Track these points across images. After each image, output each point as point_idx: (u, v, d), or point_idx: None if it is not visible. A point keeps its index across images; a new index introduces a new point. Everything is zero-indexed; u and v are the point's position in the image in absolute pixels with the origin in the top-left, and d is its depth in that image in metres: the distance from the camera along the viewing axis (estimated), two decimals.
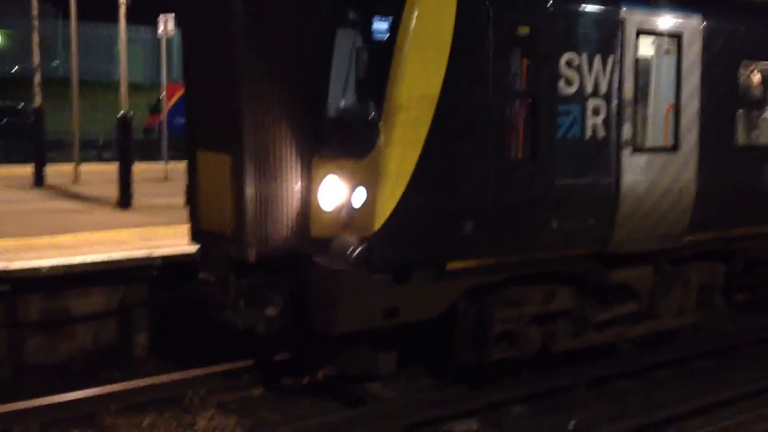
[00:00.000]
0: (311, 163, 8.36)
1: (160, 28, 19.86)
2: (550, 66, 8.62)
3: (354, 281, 7.87)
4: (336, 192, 8.13)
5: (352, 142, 8.09)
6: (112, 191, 15.77)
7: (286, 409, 8.90)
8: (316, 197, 8.33)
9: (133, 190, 15.65)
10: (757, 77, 11.32)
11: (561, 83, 8.69)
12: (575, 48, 8.77)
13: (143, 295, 10.66)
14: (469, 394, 9.19)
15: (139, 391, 9.02)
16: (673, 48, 9.76)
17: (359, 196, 7.91)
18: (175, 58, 32.83)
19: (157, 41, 24.89)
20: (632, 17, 9.23)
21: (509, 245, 8.64)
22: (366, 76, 8.64)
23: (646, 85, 9.84)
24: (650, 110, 9.89)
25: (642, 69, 9.58)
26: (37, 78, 19.08)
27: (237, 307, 8.51)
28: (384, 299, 8.13)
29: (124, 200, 15.42)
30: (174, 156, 19.87)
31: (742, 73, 10.71)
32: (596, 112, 8.98)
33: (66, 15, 18.71)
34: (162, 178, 19.70)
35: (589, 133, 8.94)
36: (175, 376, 9.44)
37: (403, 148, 7.79)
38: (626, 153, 9.25)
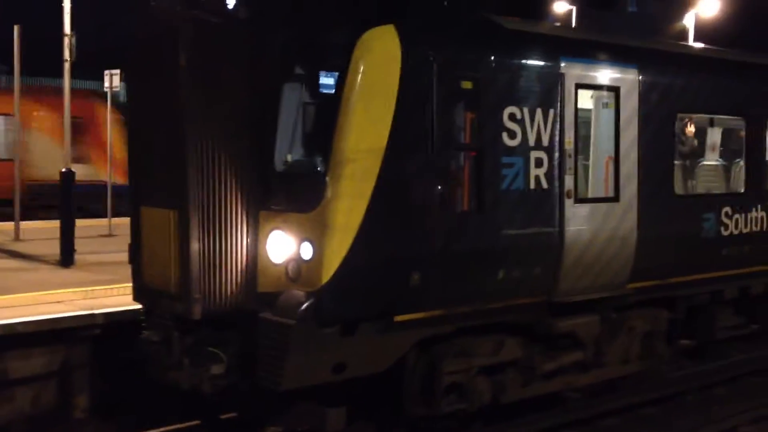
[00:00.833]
0: (258, 217, 8.32)
1: (106, 83, 19.76)
2: (494, 119, 8.79)
3: (302, 336, 7.80)
4: (283, 246, 8.10)
5: (299, 195, 8.09)
6: (55, 248, 15.43)
7: None
8: (263, 252, 8.28)
9: (76, 247, 15.34)
10: (691, 129, 11.73)
11: (504, 136, 8.85)
12: (517, 101, 8.97)
13: (85, 355, 10.39)
14: None
15: None
16: (612, 101, 10.05)
17: (307, 250, 7.88)
18: None
19: None
20: (571, 71, 9.49)
21: (457, 296, 8.67)
22: (313, 130, 8.70)
23: (587, 136, 10.09)
24: (591, 161, 10.12)
25: (582, 121, 9.83)
26: None
27: (181, 366, 8.35)
28: (332, 354, 8.05)
29: (67, 258, 15.09)
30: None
31: (678, 125, 11.07)
32: (539, 163, 9.15)
33: (11, 70, 18.49)
34: (106, 234, 19.37)
35: (532, 184, 9.10)
36: None
37: (350, 200, 7.82)
38: (569, 203, 9.42)
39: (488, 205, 8.74)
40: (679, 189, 11.12)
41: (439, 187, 8.38)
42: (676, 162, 11.04)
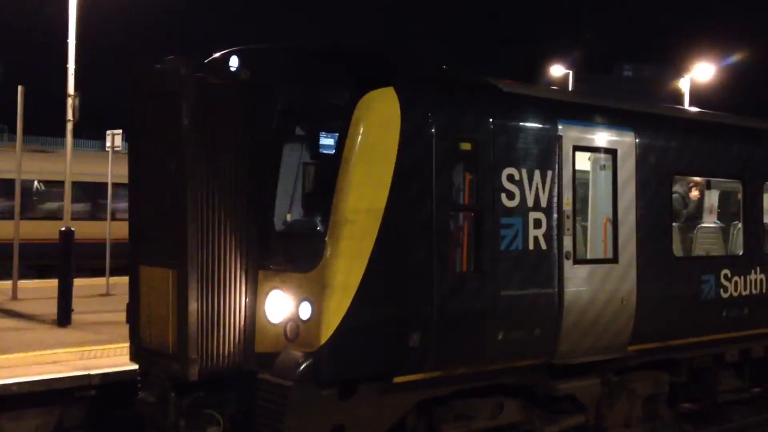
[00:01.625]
0: (257, 276, 8.31)
1: (108, 143, 19.92)
2: (492, 180, 8.85)
3: (300, 397, 7.71)
4: (282, 306, 8.06)
5: (298, 255, 8.09)
6: (52, 308, 15.36)
7: None
8: (261, 311, 8.25)
9: (74, 306, 15.26)
10: (694, 192, 11.82)
11: (503, 197, 8.90)
12: (516, 163, 9.04)
13: (81, 416, 10.25)
14: None
15: None
16: (609, 163, 10.14)
17: (305, 310, 7.85)
18: None
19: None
20: (569, 134, 9.60)
21: (456, 357, 8.60)
22: (312, 190, 8.75)
23: (585, 198, 10.14)
24: (589, 223, 10.16)
25: (580, 183, 9.89)
26: None
27: (177, 428, 8.23)
28: (330, 415, 7.96)
29: (64, 317, 15.01)
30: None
31: (675, 187, 11.15)
32: (538, 224, 9.18)
33: (12, 129, 18.68)
34: (104, 294, 19.30)
35: (531, 245, 9.11)
36: None
37: (349, 260, 7.82)
38: (568, 264, 9.42)
39: (487, 265, 8.74)
40: (677, 251, 11.13)
41: (438, 248, 8.39)
42: (674, 224, 11.09)
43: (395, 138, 8.11)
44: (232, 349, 8.18)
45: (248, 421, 8.03)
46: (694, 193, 11.96)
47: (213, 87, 8.36)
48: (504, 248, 8.88)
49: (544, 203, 9.25)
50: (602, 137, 10.05)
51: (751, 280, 11.73)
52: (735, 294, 11.46)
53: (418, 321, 8.21)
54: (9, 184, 20.35)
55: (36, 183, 25.88)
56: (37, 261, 24.01)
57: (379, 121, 8.08)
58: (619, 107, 10.93)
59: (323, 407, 7.86)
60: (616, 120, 10.32)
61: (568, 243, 9.44)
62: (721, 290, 11.31)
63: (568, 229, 9.45)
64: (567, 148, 9.55)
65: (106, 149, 20.25)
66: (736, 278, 11.48)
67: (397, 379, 8.24)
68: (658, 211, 10.57)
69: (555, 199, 9.36)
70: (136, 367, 9.03)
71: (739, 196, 12.14)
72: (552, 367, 9.46)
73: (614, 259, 9.98)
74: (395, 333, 8.10)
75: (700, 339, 11.17)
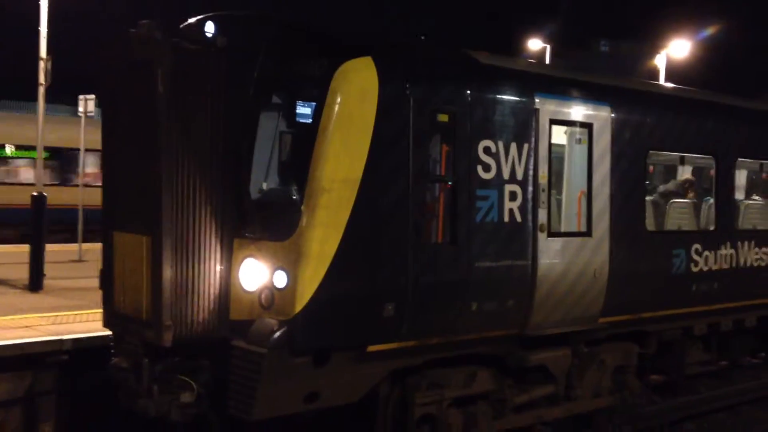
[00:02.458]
0: (232, 244, 8.29)
1: (80, 108, 19.67)
2: (469, 152, 8.87)
3: (274, 364, 7.74)
4: (257, 274, 8.07)
5: (274, 223, 8.08)
6: (23, 273, 15.24)
7: None
8: (236, 279, 8.25)
9: (45, 272, 15.16)
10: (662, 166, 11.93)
11: (479, 169, 8.93)
12: (492, 135, 9.07)
13: (51, 381, 10.21)
14: None
15: None
16: (585, 137, 10.19)
17: (280, 278, 7.86)
18: None
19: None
20: (546, 107, 9.63)
21: (430, 327, 8.67)
22: (289, 159, 8.72)
23: (560, 172, 10.20)
24: (564, 196, 10.23)
25: (556, 156, 9.94)
26: None
27: (150, 394, 8.24)
28: (304, 383, 8.01)
29: (35, 283, 14.90)
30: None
31: (649, 162, 11.24)
32: (513, 197, 9.23)
33: None
34: (76, 260, 19.17)
35: (506, 217, 9.17)
36: None
37: (325, 230, 7.83)
38: (542, 237, 9.50)
39: (462, 237, 8.79)
40: (650, 225, 11.26)
41: (414, 219, 8.41)
42: (647, 198, 11.20)
43: (372, 108, 8.09)
44: (206, 316, 8.18)
45: (222, 387, 8.06)
46: (667, 168, 12.09)
47: (188, 53, 8.24)
48: (479, 220, 8.93)
49: (519, 176, 9.30)
50: (578, 111, 10.10)
51: (721, 255, 11.91)
52: (705, 269, 11.63)
53: (393, 291, 8.25)
54: None
55: None
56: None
57: (356, 91, 8.05)
58: (596, 82, 10.98)
59: (297, 375, 7.91)
60: (592, 94, 10.36)
61: (542, 216, 9.51)
62: (692, 265, 11.47)
63: (543, 202, 9.51)
64: (543, 122, 9.58)
65: (78, 114, 20.02)
66: (707, 253, 11.65)
67: (371, 348, 8.30)
68: (632, 186, 10.66)
69: (531, 172, 9.40)
70: (109, 332, 9.01)
71: (712, 172, 12.28)
72: (524, 338, 9.57)
73: (588, 233, 10.07)
74: (370, 302, 8.14)
75: (669, 312, 11.35)
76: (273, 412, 7.98)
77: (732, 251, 12.10)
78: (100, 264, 8.91)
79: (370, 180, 8.03)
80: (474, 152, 8.89)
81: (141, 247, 8.19)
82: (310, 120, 8.26)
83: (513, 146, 9.25)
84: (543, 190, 9.52)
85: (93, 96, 19.22)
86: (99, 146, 9.07)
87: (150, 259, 8.07)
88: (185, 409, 8.22)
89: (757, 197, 13.58)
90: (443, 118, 8.80)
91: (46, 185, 17.92)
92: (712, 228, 12.09)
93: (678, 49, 37.49)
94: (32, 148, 21.50)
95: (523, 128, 9.38)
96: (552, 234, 9.64)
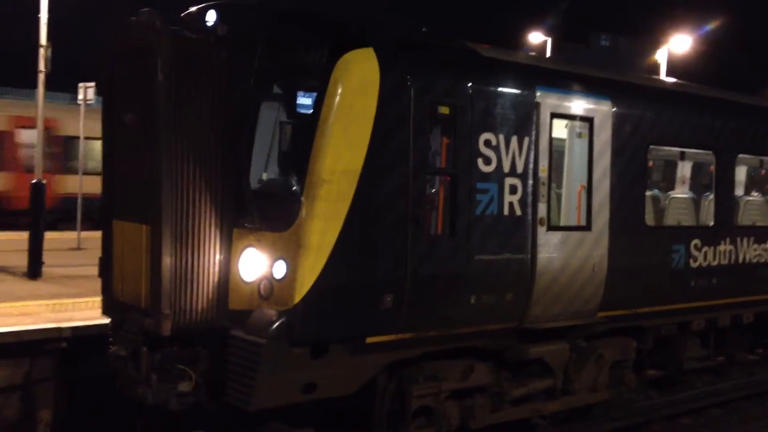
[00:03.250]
0: (231, 234, 8.29)
1: (80, 96, 19.61)
2: (469, 145, 8.86)
3: (273, 355, 7.75)
4: (256, 264, 8.06)
5: (273, 214, 8.07)
6: (22, 260, 15.23)
7: None
8: (235, 269, 8.24)
9: (44, 260, 15.15)
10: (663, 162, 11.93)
11: (479, 162, 8.92)
12: (493, 128, 9.05)
13: (50, 369, 10.22)
14: None
15: None
16: (585, 131, 10.17)
17: (279, 269, 7.86)
18: None
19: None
20: (547, 100, 9.61)
21: (428, 320, 8.67)
22: (289, 150, 8.71)
23: (560, 165, 10.20)
24: (564, 190, 10.23)
25: (556, 150, 9.93)
26: None
27: (148, 382, 8.25)
28: (302, 374, 8.01)
29: (34, 270, 14.89)
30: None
31: (650, 157, 11.23)
32: (513, 190, 9.23)
33: None
34: (75, 248, 19.16)
35: (506, 210, 9.16)
36: None
37: (324, 221, 7.82)
38: (541, 230, 9.50)
39: (461, 229, 8.79)
40: (649, 220, 11.26)
41: (414, 211, 8.41)
42: (647, 193, 11.19)
43: (373, 99, 8.07)
44: (205, 305, 8.18)
45: (220, 377, 8.06)
46: (667, 163, 12.06)
47: (189, 41, 8.23)
48: (479, 213, 8.92)
49: (520, 169, 9.29)
50: (579, 105, 10.08)
51: (720, 251, 11.92)
52: (704, 264, 11.64)
53: (392, 283, 8.25)
54: None
55: None
56: None
57: (357, 82, 8.03)
58: (597, 76, 10.96)
59: (295, 365, 7.91)
60: (593, 88, 10.34)
61: (542, 209, 9.50)
62: (691, 260, 11.48)
63: (543, 196, 9.51)
64: (544, 115, 9.57)
65: (78, 102, 19.96)
66: (705, 248, 11.66)
67: (370, 340, 8.30)
68: (632, 180, 10.65)
69: (531, 166, 9.39)
70: (107, 320, 9.01)
71: (712, 167, 12.28)
72: (522, 332, 9.58)
73: (587, 227, 10.07)
74: (369, 294, 8.14)
75: (668, 307, 11.36)
76: (271, 402, 7.99)
77: (731, 247, 12.11)
78: (99, 252, 8.91)
79: (371, 172, 8.02)
80: (474, 145, 8.88)
81: (140, 235, 8.18)
82: (311, 110, 8.24)
83: (513, 139, 9.23)
84: (543, 184, 9.52)
85: (93, 84, 19.16)
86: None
87: (149, 248, 8.07)
88: (183, 398, 8.22)
89: (756, 193, 13.60)
90: (444, 110, 8.78)
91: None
92: (711, 224, 12.09)
93: (679, 44, 37.43)
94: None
95: (524, 121, 9.36)
96: (551, 228, 9.64)
